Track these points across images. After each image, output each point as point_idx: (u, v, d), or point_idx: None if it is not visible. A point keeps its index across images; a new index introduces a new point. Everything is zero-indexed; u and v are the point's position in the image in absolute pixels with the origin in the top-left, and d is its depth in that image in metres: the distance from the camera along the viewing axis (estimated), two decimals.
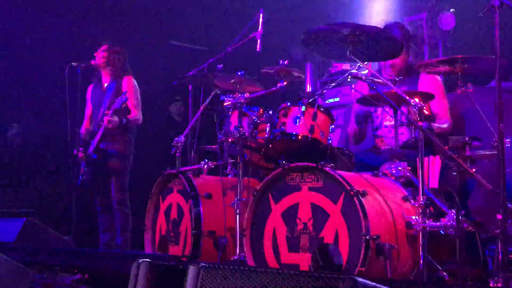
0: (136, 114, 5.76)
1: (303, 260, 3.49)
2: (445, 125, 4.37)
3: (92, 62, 5.90)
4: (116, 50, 5.86)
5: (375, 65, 4.93)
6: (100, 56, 5.84)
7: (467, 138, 3.67)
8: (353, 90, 5.37)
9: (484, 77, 4.01)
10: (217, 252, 4.10)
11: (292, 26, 7.25)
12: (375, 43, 3.73)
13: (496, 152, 3.12)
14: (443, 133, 4.22)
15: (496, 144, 3.13)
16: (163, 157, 6.20)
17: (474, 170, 3.43)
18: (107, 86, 5.85)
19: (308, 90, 7.21)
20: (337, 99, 6.34)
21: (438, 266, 3.47)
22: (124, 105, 5.53)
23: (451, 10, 6.26)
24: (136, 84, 5.86)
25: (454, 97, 4.41)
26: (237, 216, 3.95)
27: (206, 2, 7.58)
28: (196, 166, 4.66)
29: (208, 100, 4.76)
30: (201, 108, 4.75)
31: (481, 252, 3.49)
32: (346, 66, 6.53)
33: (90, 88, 6.04)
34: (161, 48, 7.91)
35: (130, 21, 7.55)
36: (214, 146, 5.20)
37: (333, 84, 4.20)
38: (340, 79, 4.15)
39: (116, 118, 5.51)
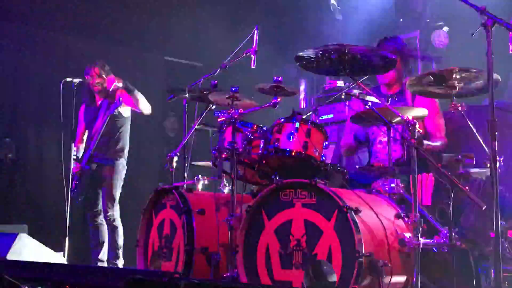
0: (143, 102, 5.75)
1: (296, 277, 3.47)
2: (437, 143, 4.38)
3: (87, 77, 5.92)
4: (106, 70, 5.88)
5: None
6: (94, 83, 5.87)
7: (460, 156, 3.68)
8: (347, 107, 5.38)
9: (477, 95, 4.03)
10: (210, 268, 4.08)
11: (286, 42, 7.30)
12: (366, 60, 3.75)
13: (489, 170, 3.13)
14: (434, 151, 4.23)
15: (489, 162, 3.14)
16: (156, 172, 6.22)
17: (467, 187, 3.44)
18: (101, 103, 5.88)
19: (302, 107, 7.24)
20: (331, 116, 6.34)
21: (431, 284, 3.46)
22: (119, 111, 5.57)
23: (444, 28, 6.31)
24: None
25: (447, 115, 4.42)
26: (230, 232, 3.94)
27: (201, 18, 7.62)
28: (189, 182, 4.65)
29: (202, 116, 4.77)
30: (195, 123, 4.76)
31: (474, 270, 3.50)
32: (340, 82, 6.55)
33: (82, 107, 6.09)
34: (156, 63, 7.93)
35: (126, 36, 7.57)
36: (207, 162, 5.20)
37: (328, 100, 4.22)
38: (335, 96, 4.17)
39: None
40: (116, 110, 5.61)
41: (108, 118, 5.62)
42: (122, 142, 5.85)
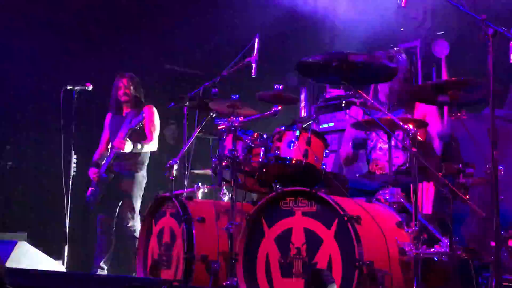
0: (152, 140, 5.80)
1: (296, 285, 3.46)
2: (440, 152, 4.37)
3: (88, 85, 5.92)
4: (136, 81, 5.91)
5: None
6: (121, 94, 5.88)
7: (460, 165, 3.67)
8: (347, 115, 5.38)
9: (478, 104, 4.04)
10: (210, 277, 4.06)
11: (287, 51, 7.31)
12: (367, 69, 3.75)
13: (489, 179, 3.12)
14: (437, 159, 4.22)
15: (489, 171, 3.13)
16: (156, 180, 6.20)
17: (467, 197, 3.43)
18: (127, 113, 5.91)
19: (303, 115, 7.24)
20: (331, 124, 6.35)
21: None
22: (140, 125, 5.55)
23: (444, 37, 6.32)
24: (157, 114, 5.91)
25: (448, 124, 4.41)
26: (230, 240, 3.93)
27: (202, 26, 7.63)
28: (189, 190, 4.65)
29: (202, 124, 4.77)
30: (195, 131, 4.76)
31: (475, 279, 3.48)
32: (340, 91, 6.56)
33: (108, 116, 6.10)
34: (156, 71, 7.93)
35: (125, 44, 7.58)
36: (208, 170, 5.20)
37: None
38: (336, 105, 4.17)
39: (128, 141, 5.52)
40: (137, 125, 5.58)
41: (131, 131, 5.60)
42: (143, 156, 5.83)
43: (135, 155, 5.75)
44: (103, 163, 5.78)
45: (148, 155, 5.90)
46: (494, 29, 3.10)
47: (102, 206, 5.78)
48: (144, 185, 5.85)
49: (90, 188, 5.77)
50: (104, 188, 5.68)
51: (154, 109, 5.89)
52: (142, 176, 5.83)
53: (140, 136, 5.72)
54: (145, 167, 5.88)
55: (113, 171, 5.69)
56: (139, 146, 5.66)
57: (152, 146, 5.81)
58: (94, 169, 5.75)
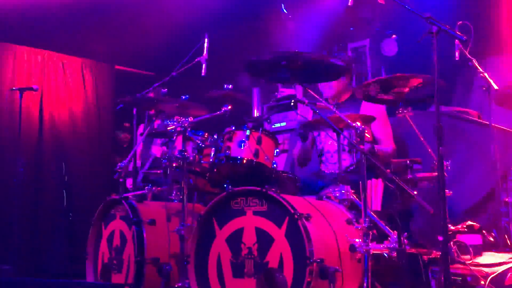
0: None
1: (248, 285, 3.45)
2: (388, 149, 4.43)
3: (34, 87, 5.79)
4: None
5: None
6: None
7: (408, 161, 3.73)
8: (298, 115, 5.40)
9: (424, 102, 4.10)
10: (161, 280, 4.01)
11: (238, 50, 7.28)
12: (315, 68, 3.76)
13: (436, 175, 3.17)
14: (385, 157, 4.28)
15: (436, 167, 3.18)
16: (107, 182, 6.12)
17: (415, 192, 3.48)
18: (158, 125, 5.77)
19: (255, 115, 7.24)
20: (283, 124, 6.37)
21: None
22: None
23: (393, 36, 6.41)
24: None
25: (395, 121, 4.48)
26: (181, 242, 3.88)
27: (152, 27, 7.54)
28: (140, 192, 4.58)
29: (151, 125, 4.71)
30: (145, 133, 4.69)
31: (424, 274, 3.53)
32: (292, 91, 6.58)
33: (141, 127, 5.95)
34: (106, 73, 7.81)
35: (76, 45, 7.44)
36: (158, 171, 5.13)
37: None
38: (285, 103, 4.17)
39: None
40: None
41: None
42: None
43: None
44: (139, 171, 5.64)
45: None
46: (438, 27, 3.15)
47: None
48: None
49: None
50: None
51: None
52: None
53: None
54: None
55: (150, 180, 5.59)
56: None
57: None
58: (130, 180, 5.63)
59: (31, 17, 6.79)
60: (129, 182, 5.59)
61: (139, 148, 5.96)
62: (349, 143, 3.63)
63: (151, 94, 4.94)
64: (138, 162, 5.82)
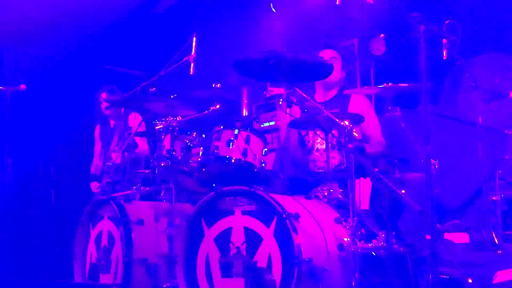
0: (143, 146, 5.67)
1: (237, 285, 3.45)
2: (378, 146, 4.43)
3: (22, 86, 5.74)
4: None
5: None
6: (103, 108, 5.80)
7: (396, 160, 3.73)
8: (288, 114, 5.39)
9: (413, 100, 4.12)
10: (150, 280, 4.01)
11: (227, 49, 7.27)
12: (304, 67, 3.75)
13: (424, 174, 3.18)
14: (376, 154, 4.28)
15: (423, 165, 3.19)
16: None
17: (403, 191, 3.48)
18: (114, 124, 5.79)
19: (244, 114, 7.23)
20: (272, 123, 6.37)
21: None
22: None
23: (381, 35, 6.42)
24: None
25: (383, 120, 4.49)
26: (170, 242, 3.87)
27: (139, 26, 7.52)
28: (128, 192, 4.56)
29: (139, 124, 4.69)
30: (133, 132, 4.67)
31: (412, 273, 3.54)
32: (281, 90, 6.56)
33: (97, 128, 5.98)
34: (95, 72, 7.77)
35: (64, 45, 7.41)
36: (147, 171, 5.11)
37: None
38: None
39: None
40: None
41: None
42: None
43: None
44: (102, 175, 5.60)
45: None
46: (426, 26, 3.16)
47: None
48: None
49: None
50: None
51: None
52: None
53: (133, 147, 5.60)
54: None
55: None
56: (133, 155, 5.53)
57: (144, 151, 5.69)
58: (95, 183, 5.60)
59: None
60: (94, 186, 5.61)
61: (97, 149, 5.95)
62: (338, 142, 3.63)
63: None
64: (100, 163, 5.82)
